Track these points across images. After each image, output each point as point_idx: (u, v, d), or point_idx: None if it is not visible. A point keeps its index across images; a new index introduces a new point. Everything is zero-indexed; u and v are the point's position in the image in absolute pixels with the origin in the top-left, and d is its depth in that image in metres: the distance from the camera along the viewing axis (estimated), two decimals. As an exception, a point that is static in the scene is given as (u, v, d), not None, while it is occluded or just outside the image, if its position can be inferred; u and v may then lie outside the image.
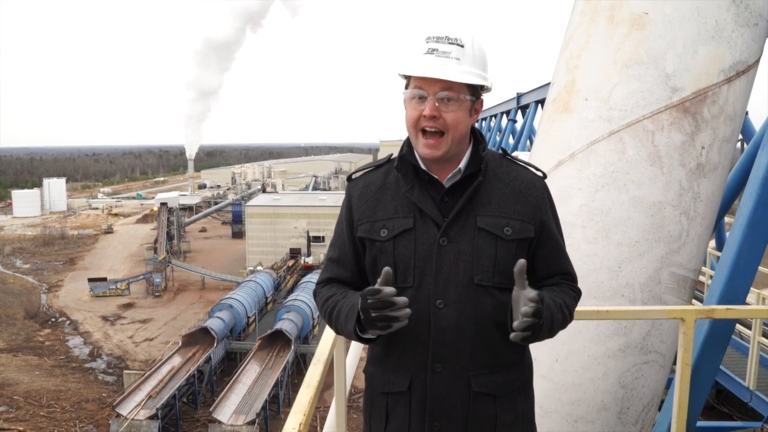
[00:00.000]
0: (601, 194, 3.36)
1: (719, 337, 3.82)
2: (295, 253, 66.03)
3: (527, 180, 2.06)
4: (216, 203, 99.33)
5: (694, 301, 3.88)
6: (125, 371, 42.28)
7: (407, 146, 2.07)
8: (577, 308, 2.06)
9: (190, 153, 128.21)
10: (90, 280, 65.15)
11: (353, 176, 2.18)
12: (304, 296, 47.15)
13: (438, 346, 1.94)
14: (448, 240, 1.96)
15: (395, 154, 2.16)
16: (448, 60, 1.90)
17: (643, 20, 3.43)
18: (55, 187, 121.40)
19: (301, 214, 67.40)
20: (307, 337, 44.93)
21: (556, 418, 3.32)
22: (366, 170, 2.18)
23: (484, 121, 37.62)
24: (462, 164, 2.02)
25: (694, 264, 3.46)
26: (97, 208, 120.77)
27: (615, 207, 3.34)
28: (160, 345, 48.85)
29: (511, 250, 1.97)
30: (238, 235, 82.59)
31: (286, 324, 42.40)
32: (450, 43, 1.91)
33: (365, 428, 2.17)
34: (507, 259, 1.96)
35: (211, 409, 33.96)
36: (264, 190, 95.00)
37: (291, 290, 54.84)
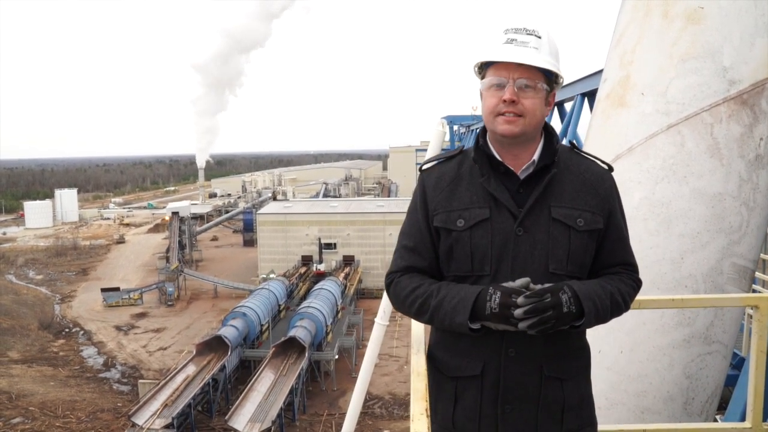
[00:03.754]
0: (661, 187, 3.39)
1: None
2: (307, 260, 66.03)
3: (597, 173, 2.13)
4: (227, 212, 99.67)
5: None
6: (140, 381, 42.32)
7: (482, 138, 2.12)
8: (652, 297, 2.08)
9: (201, 162, 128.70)
10: (103, 290, 65.44)
11: (425, 167, 2.22)
12: (317, 303, 47.15)
13: (514, 332, 1.96)
14: (524, 230, 2.01)
15: (466, 147, 2.21)
16: (527, 49, 1.98)
17: (698, 14, 3.47)
18: (67, 198, 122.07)
19: (313, 221, 67.50)
20: (321, 344, 44.84)
21: (622, 409, 3.34)
22: (437, 161, 2.21)
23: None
24: (536, 156, 2.07)
25: (753, 254, 3.48)
26: (108, 219, 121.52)
27: (675, 199, 3.37)
28: (174, 354, 48.91)
29: (583, 240, 2.04)
30: (250, 243, 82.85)
31: (300, 331, 42.35)
32: (528, 34, 1.99)
33: (430, 413, 2.17)
34: (579, 250, 2.03)
35: (226, 417, 33.97)
36: (275, 198, 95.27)
37: (304, 297, 54.76)
